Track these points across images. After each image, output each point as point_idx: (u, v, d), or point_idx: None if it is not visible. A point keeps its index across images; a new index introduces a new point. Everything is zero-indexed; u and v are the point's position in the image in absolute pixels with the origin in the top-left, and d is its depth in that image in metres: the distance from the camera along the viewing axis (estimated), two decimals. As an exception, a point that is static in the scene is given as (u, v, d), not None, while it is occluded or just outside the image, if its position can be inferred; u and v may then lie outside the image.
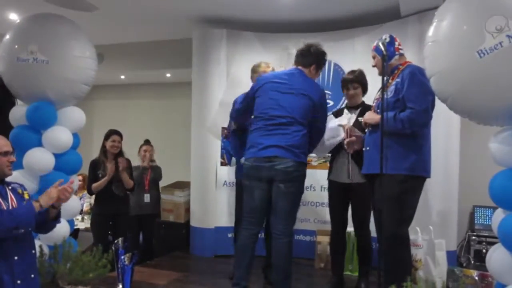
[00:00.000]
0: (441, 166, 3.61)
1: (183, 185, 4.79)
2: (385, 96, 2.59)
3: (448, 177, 3.74)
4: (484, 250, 3.85)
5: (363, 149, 2.91)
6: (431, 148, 2.78)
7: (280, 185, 2.78)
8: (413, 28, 3.87)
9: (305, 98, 2.86)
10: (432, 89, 2.23)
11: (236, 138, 3.51)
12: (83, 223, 4.84)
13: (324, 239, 4.00)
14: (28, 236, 2.25)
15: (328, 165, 3.43)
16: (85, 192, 4.95)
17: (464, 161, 3.88)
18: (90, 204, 4.97)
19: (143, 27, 4.95)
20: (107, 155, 3.90)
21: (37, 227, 2.34)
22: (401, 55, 2.80)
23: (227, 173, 4.38)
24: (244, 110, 3.12)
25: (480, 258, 3.81)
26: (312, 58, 2.97)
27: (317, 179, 4.25)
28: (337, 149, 3.24)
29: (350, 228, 3.40)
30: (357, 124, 3.19)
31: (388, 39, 2.75)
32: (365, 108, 3.18)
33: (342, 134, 3.14)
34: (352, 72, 3.32)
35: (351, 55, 4.23)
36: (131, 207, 4.15)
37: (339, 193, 3.27)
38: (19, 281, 2.14)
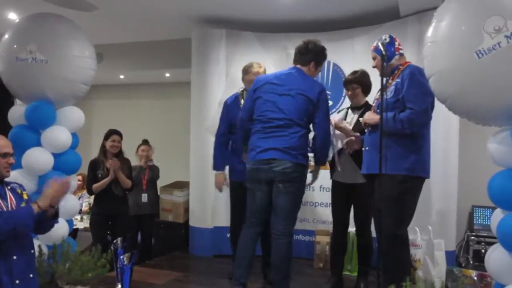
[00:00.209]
0: (440, 166, 3.61)
1: (182, 185, 4.79)
2: (385, 97, 2.60)
3: (447, 177, 3.75)
4: (483, 250, 3.85)
5: (363, 149, 2.92)
6: (430, 149, 2.78)
7: (279, 185, 2.81)
8: (413, 28, 3.87)
9: (302, 98, 2.85)
10: (431, 89, 2.24)
11: (221, 145, 3.52)
12: (82, 223, 4.84)
13: (323, 239, 4.01)
14: (27, 236, 2.25)
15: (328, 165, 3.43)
16: (84, 192, 4.95)
17: (463, 161, 3.88)
18: (89, 204, 4.97)
19: (142, 27, 4.95)
20: (107, 155, 3.90)
21: (35, 228, 2.34)
22: (401, 55, 2.80)
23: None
24: (249, 116, 3.02)
25: (479, 258, 3.81)
26: (310, 55, 2.95)
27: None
28: (339, 150, 3.24)
29: (350, 228, 3.41)
30: (357, 124, 3.20)
31: (388, 39, 2.74)
32: (367, 108, 3.18)
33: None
34: (354, 72, 3.32)
35: (351, 55, 4.23)
36: (130, 207, 4.15)
37: (341, 193, 3.28)
38: (17, 281, 2.13)
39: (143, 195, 4.31)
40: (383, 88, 2.56)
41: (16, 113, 3.09)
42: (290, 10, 4.20)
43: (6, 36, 3.06)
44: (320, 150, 3.00)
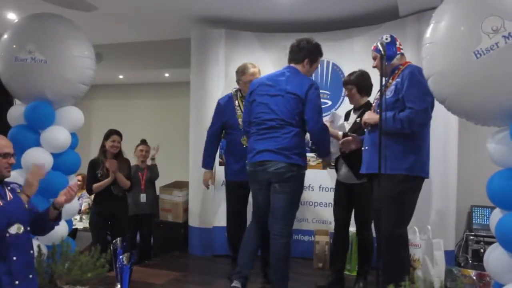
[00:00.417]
0: (440, 166, 3.62)
1: (181, 185, 4.80)
2: (385, 96, 2.60)
3: (446, 177, 3.75)
4: (482, 250, 3.86)
5: (362, 148, 2.92)
6: (429, 149, 2.78)
7: (275, 185, 2.84)
8: (412, 28, 3.87)
9: (292, 97, 2.85)
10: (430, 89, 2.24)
11: (211, 144, 3.57)
12: (81, 223, 4.84)
13: (322, 239, 4.01)
14: (26, 236, 2.25)
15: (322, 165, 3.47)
16: (84, 192, 4.95)
17: (462, 161, 3.88)
18: (89, 204, 4.97)
19: (141, 26, 4.95)
20: (106, 155, 3.90)
21: (36, 229, 2.34)
22: (402, 55, 2.81)
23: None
24: (249, 119, 3.03)
25: (478, 257, 3.81)
26: (303, 52, 2.96)
27: (315, 179, 4.25)
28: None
29: (351, 228, 3.41)
30: (355, 125, 3.21)
31: (389, 39, 2.75)
32: (367, 108, 3.19)
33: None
34: (351, 73, 3.33)
35: (350, 55, 4.23)
36: (129, 207, 4.15)
37: (342, 193, 3.30)
38: (17, 282, 2.14)
39: (141, 195, 4.31)
40: (382, 88, 2.56)
41: (15, 113, 3.08)
42: (289, 10, 4.20)
43: (5, 36, 3.06)
44: (317, 145, 3.02)
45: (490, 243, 2.26)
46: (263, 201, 2.93)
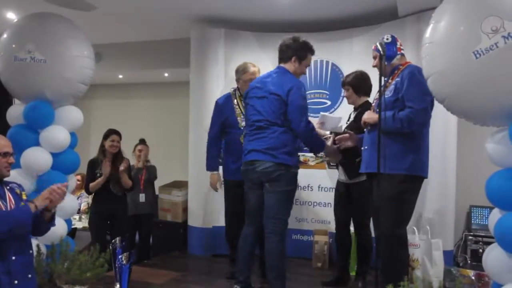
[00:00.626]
0: (438, 166, 3.62)
1: (180, 185, 4.79)
2: (385, 96, 2.60)
3: (445, 177, 3.76)
4: (480, 250, 3.86)
5: (362, 148, 2.93)
6: (429, 149, 2.79)
7: (266, 184, 2.90)
8: (411, 28, 3.88)
9: (275, 97, 2.89)
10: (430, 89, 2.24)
11: (214, 146, 3.56)
12: (80, 223, 4.84)
13: (322, 239, 4.01)
14: (25, 236, 2.25)
15: (326, 164, 3.48)
16: (83, 191, 4.94)
17: (461, 161, 3.89)
18: (88, 204, 4.96)
19: (141, 26, 4.95)
20: (106, 155, 3.90)
21: (33, 230, 2.33)
22: (402, 55, 2.82)
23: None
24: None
25: (477, 257, 3.82)
26: (290, 51, 2.98)
27: (314, 178, 4.26)
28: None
29: (351, 227, 3.43)
30: (351, 125, 3.27)
31: (389, 39, 2.77)
32: (364, 109, 3.20)
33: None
34: (348, 75, 3.39)
35: (349, 55, 4.24)
36: (128, 207, 4.15)
37: (341, 192, 3.35)
38: (16, 281, 2.13)
39: (140, 195, 4.31)
40: (381, 88, 2.56)
41: (15, 112, 3.08)
42: (289, 10, 4.20)
43: (5, 35, 3.05)
44: (306, 144, 3.09)
45: (489, 243, 2.26)
46: (254, 199, 2.99)
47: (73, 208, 3.20)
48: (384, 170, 2.48)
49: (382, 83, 2.58)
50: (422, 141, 2.71)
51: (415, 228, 3.37)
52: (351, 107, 3.45)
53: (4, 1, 4.30)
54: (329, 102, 4.32)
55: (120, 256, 2.35)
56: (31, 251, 2.29)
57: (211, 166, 3.60)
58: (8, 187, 2.28)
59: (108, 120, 5.79)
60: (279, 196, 2.88)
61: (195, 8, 4.31)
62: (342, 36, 4.29)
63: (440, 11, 2.14)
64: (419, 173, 2.69)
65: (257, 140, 2.92)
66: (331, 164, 3.56)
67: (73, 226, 3.93)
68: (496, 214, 2.10)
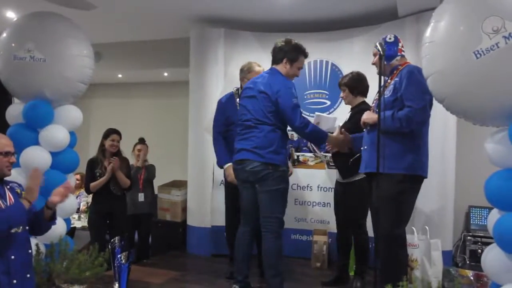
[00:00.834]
0: (438, 166, 3.62)
1: (180, 184, 4.80)
2: (384, 95, 2.61)
3: (444, 177, 3.76)
4: (479, 250, 3.87)
5: (361, 148, 2.93)
6: (428, 149, 2.79)
7: (256, 185, 2.92)
8: (411, 28, 3.88)
9: (263, 96, 2.92)
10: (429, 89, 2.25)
11: (220, 141, 3.56)
12: (79, 222, 4.83)
13: (321, 239, 4.01)
14: (24, 236, 2.25)
15: (325, 164, 3.50)
16: (82, 190, 4.94)
17: (460, 161, 3.89)
18: (87, 203, 4.96)
19: (140, 26, 4.95)
20: (105, 154, 3.89)
21: (33, 229, 2.34)
22: (403, 56, 2.82)
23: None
24: None
25: (476, 258, 3.83)
26: (281, 53, 3.01)
27: (313, 178, 4.26)
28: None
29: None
30: (345, 125, 3.29)
31: (392, 39, 2.78)
32: (359, 109, 3.22)
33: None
34: (346, 75, 3.42)
35: (349, 55, 4.24)
36: (127, 206, 4.14)
37: (340, 193, 3.37)
38: (15, 281, 2.13)
39: (139, 194, 4.31)
40: (381, 88, 2.56)
41: (14, 111, 3.08)
42: (289, 10, 4.21)
43: (4, 34, 3.05)
44: (309, 139, 3.29)
45: (488, 244, 2.26)
46: (247, 198, 3.01)
47: (72, 207, 3.20)
48: (383, 170, 2.48)
49: (382, 83, 2.58)
50: (422, 141, 2.71)
51: (414, 228, 3.37)
52: (350, 107, 3.46)
53: (4, 0, 4.30)
54: (328, 102, 4.32)
55: (119, 256, 2.35)
56: (30, 251, 2.30)
57: (223, 160, 3.53)
58: (8, 187, 2.28)
59: (108, 119, 5.79)
60: (271, 195, 2.89)
61: (195, 8, 4.31)
62: (342, 36, 4.29)
63: (440, 11, 2.14)
64: (418, 173, 2.69)
65: (247, 139, 2.95)
66: (331, 164, 3.57)
67: (72, 225, 3.93)
68: (495, 215, 2.10)
